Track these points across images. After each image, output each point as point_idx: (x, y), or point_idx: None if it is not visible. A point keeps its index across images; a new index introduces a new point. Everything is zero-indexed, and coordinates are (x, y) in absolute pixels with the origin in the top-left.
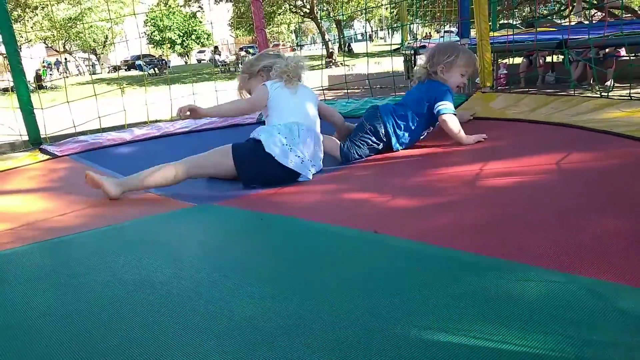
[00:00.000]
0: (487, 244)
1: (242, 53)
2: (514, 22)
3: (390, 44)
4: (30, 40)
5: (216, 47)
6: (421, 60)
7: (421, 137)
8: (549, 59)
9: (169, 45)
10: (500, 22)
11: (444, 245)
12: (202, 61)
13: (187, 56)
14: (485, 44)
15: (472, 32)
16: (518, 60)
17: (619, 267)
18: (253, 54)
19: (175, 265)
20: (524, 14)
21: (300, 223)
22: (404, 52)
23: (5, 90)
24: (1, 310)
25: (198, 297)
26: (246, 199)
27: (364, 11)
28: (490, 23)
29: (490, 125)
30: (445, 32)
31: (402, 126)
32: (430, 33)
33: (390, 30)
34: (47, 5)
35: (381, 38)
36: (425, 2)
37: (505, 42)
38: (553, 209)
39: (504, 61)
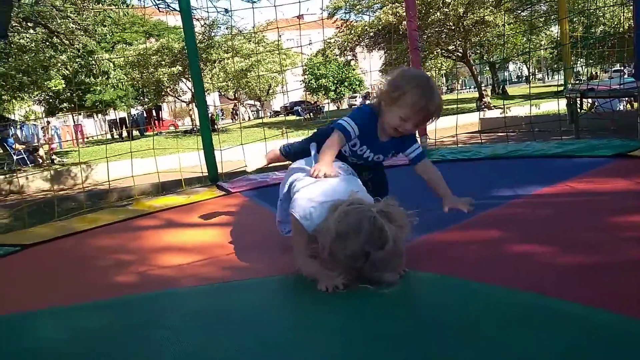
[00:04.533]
0: None
1: None
2: None
3: (555, 85)
4: (208, 90)
5: (368, 93)
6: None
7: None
8: None
9: (323, 92)
10: None
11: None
12: (353, 106)
13: (340, 102)
14: None
15: None
16: None
17: None
18: None
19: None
20: None
21: (454, 282)
22: (567, 95)
23: (186, 132)
24: None
25: None
26: None
27: (521, 53)
28: None
29: None
30: (614, 71)
31: None
32: (597, 73)
33: (549, 71)
34: (224, 59)
35: (539, 79)
36: (592, 40)
37: None
38: None
39: None
